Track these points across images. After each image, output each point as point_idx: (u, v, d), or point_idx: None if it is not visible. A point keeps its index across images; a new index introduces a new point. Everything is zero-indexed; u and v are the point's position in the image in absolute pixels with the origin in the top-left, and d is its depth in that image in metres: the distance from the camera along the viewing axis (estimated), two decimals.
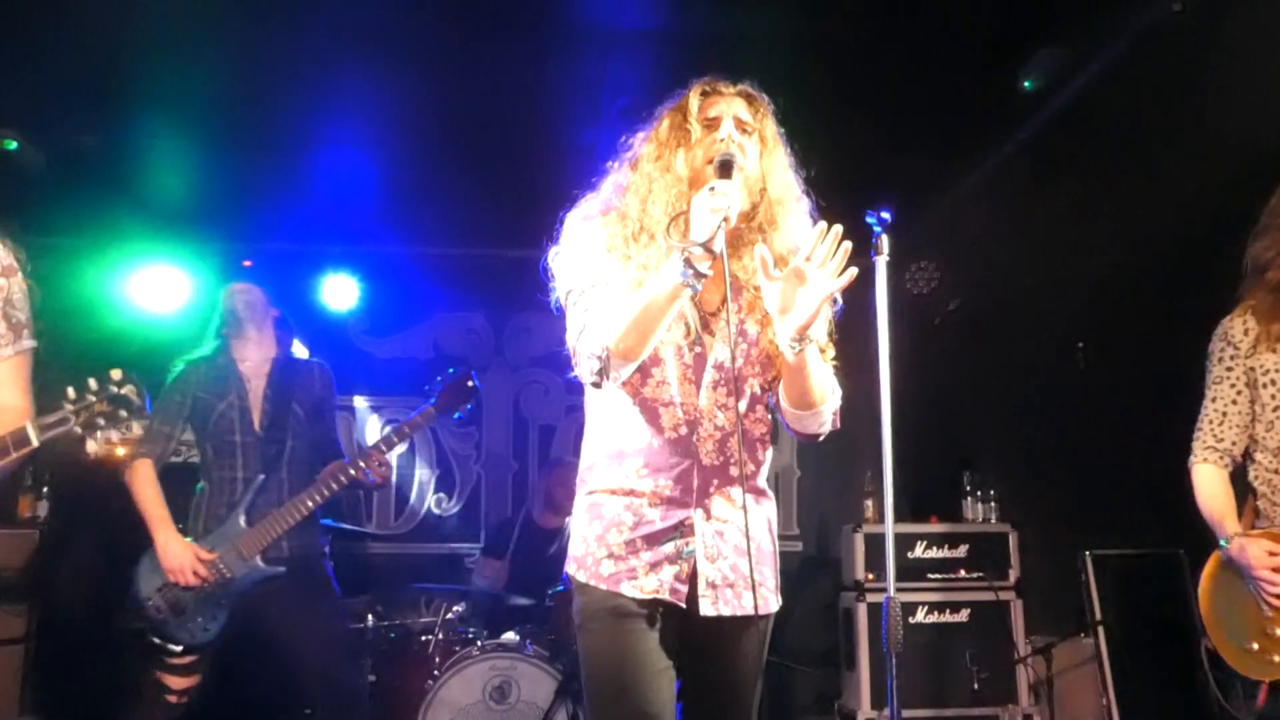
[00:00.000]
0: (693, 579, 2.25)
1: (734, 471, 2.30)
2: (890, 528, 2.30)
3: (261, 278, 4.38)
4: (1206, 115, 4.00)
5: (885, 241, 2.36)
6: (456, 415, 4.28)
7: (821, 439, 2.39)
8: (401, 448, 4.10)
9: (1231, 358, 2.97)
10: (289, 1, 3.84)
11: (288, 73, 4.32)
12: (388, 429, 4.13)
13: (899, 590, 2.27)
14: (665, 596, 2.23)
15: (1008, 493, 5.76)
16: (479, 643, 4.64)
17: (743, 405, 2.32)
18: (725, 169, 2.13)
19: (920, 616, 5.31)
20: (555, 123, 4.71)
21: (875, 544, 5.39)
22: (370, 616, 4.91)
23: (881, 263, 2.36)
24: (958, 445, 6.16)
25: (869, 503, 5.81)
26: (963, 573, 5.42)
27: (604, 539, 2.29)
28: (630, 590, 2.24)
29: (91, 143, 4.82)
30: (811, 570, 6.29)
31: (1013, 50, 4.04)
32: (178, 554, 3.73)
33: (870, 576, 5.36)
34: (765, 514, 2.40)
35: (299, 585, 3.88)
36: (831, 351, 2.34)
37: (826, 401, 2.29)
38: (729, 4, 3.85)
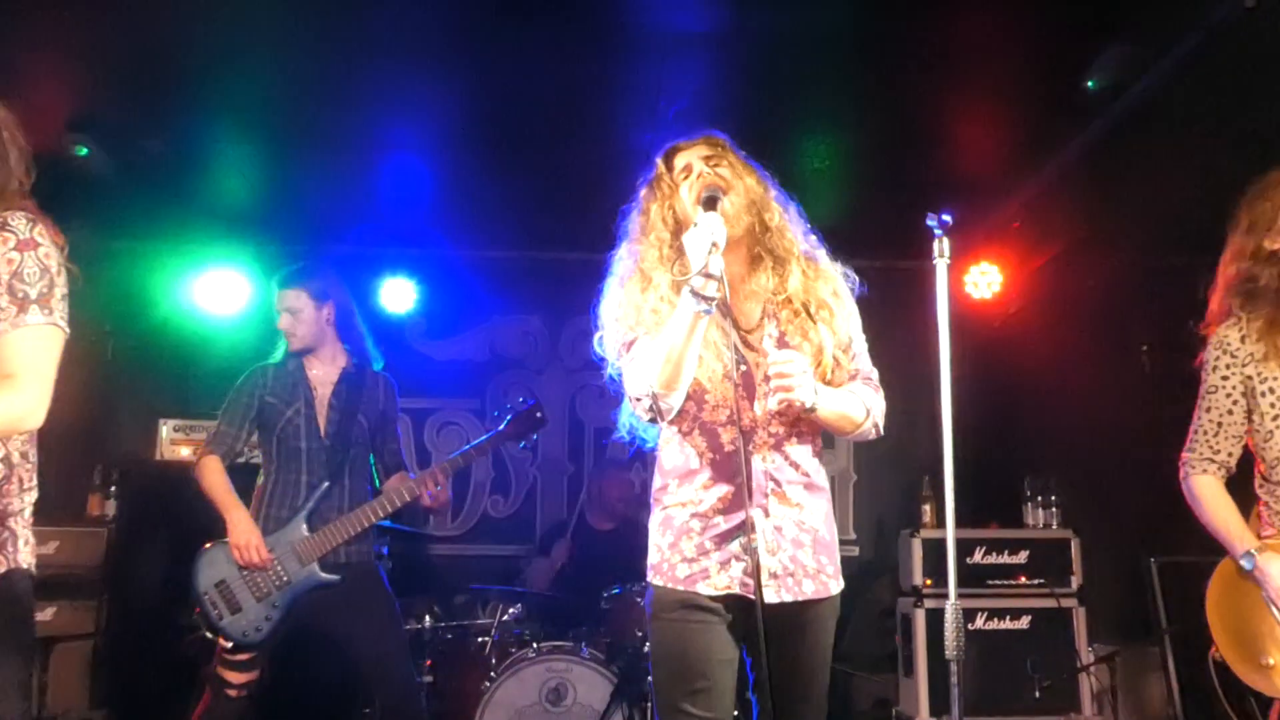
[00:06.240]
0: (758, 572, 2.40)
1: (789, 472, 2.49)
2: (952, 533, 2.28)
3: None
4: (1277, 113, 3.91)
5: (946, 244, 2.35)
6: (521, 444, 4.40)
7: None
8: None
9: (1228, 366, 2.88)
10: (348, 8, 3.88)
11: (347, 78, 4.37)
12: (455, 454, 4.14)
13: (958, 596, 2.25)
14: (736, 590, 2.42)
15: (1070, 498, 5.66)
16: (535, 644, 4.66)
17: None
18: (710, 203, 2.36)
19: (980, 623, 5.25)
20: (612, 126, 4.72)
21: (933, 549, 5.34)
22: (428, 617, 4.95)
23: (942, 265, 2.36)
24: (1018, 450, 6.08)
25: (927, 507, 5.75)
26: (1023, 579, 5.34)
27: (677, 546, 2.49)
28: (705, 589, 2.44)
29: (159, 148, 4.91)
30: (868, 575, 6.23)
31: (1077, 50, 3.97)
32: (246, 531, 3.79)
33: (929, 582, 5.30)
34: (821, 507, 2.56)
35: (355, 591, 3.92)
36: (861, 363, 2.58)
37: (863, 424, 2.52)
38: (785, 6, 3.83)
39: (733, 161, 2.56)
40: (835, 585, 2.53)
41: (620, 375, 2.56)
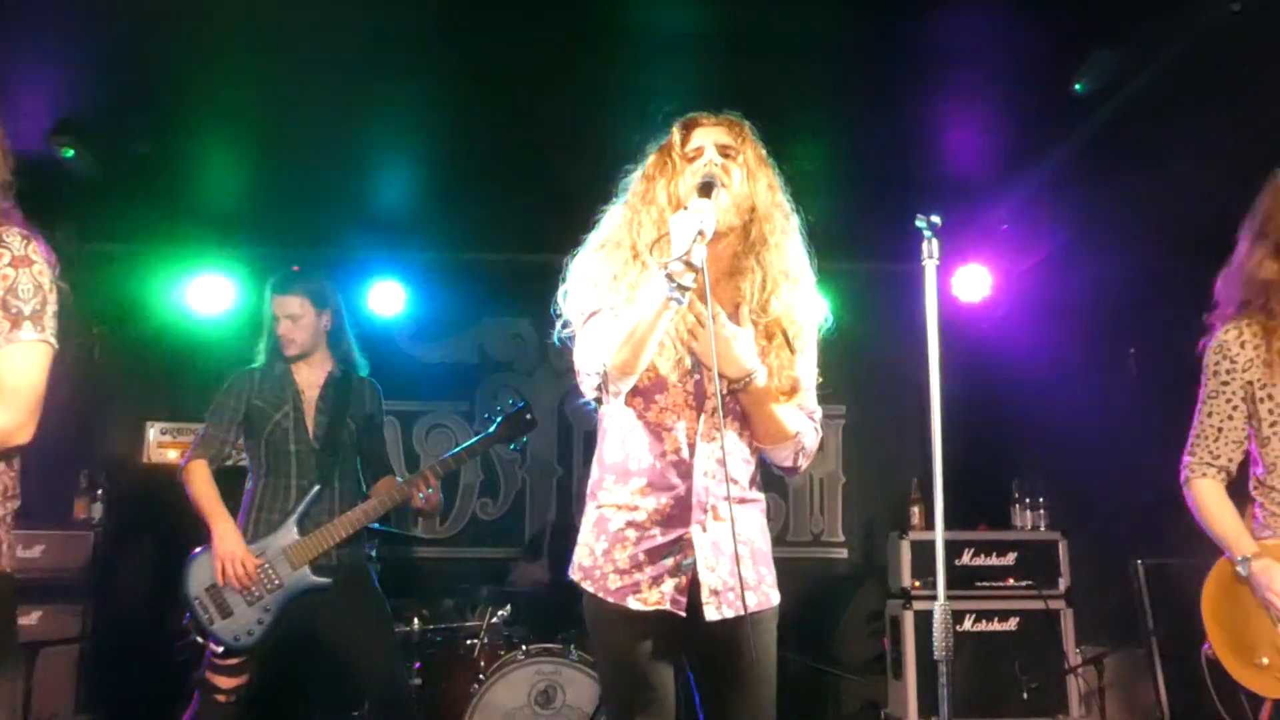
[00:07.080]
0: (693, 589, 2.38)
1: (731, 489, 2.43)
2: (941, 534, 2.28)
3: None
4: (1265, 116, 3.93)
5: (935, 246, 2.35)
6: (512, 446, 4.38)
7: (798, 474, 2.60)
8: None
9: (1228, 371, 2.89)
10: (337, 11, 3.87)
11: (335, 81, 4.35)
12: (446, 456, 4.13)
13: (947, 598, 2.25)
14: (666, 607, 2.38)
15: (1057, 500, 5.68)
16: (524, 647, 4.65)
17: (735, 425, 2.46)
18: (706, 190, 2.26)
19: (968, 625, 5.25)
20: (601, 127, 4.70)
21: (922, 551, 5.35)
22: (416, 620, 4.94)
23: (931, 267, 2.35)
24: (1007, 452, 6.09)
25: (915, 509, 5.76)
26: (1011, 581, 5.36)
27: (610, 554, 2.44)
28: (635, 605, 2.39)
29: (146, 151, 4.89)
30: (857, 577, 6.24)
31: (1065, 54, 3.99)
32: (232, 544, 3.76)
33: (917, 584, 5.31)
34: (756, 518, 2.53)
35: (347, 594, 3.91)
36: (806, 399, 2.48)
37: (792, 439, 2.44)
38: (776, 8, 3.83)
39: (749, 157, 2.45)
40: (775, 595, 2.50)
41: (572, 341, 2.45)
